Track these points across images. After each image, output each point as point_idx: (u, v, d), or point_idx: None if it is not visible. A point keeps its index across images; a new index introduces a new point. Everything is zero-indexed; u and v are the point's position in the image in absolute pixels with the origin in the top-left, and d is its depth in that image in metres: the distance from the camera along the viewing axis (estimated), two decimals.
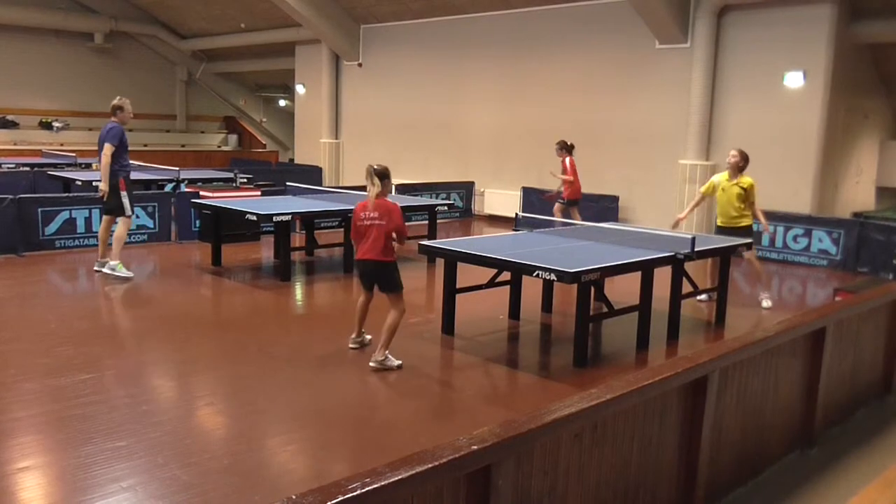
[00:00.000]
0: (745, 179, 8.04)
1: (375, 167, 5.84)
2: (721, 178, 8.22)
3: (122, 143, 8.38)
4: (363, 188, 11.73)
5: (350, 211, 9.25)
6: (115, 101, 8.49)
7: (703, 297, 8.09)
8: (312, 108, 19.65)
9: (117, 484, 3.89)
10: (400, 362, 5.78)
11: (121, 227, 8.59)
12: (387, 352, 5.76)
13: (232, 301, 8.23)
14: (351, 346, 6.23)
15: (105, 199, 8.48)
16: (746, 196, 8.01)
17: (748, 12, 11.98)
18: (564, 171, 11.18)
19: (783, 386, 4.43)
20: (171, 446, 4.36)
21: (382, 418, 5.06)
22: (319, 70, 19.01)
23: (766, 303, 8.32)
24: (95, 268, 8.82)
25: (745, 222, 8.12)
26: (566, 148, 11.23)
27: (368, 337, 6.29)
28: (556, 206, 11.43)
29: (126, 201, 8.46)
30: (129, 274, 8.55)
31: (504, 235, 8.52)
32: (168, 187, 12.33)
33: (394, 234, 5.80)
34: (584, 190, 13.74)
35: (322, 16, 17.29)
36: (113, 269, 8.55)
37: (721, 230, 8.17)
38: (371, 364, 5.71)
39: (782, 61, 11.64)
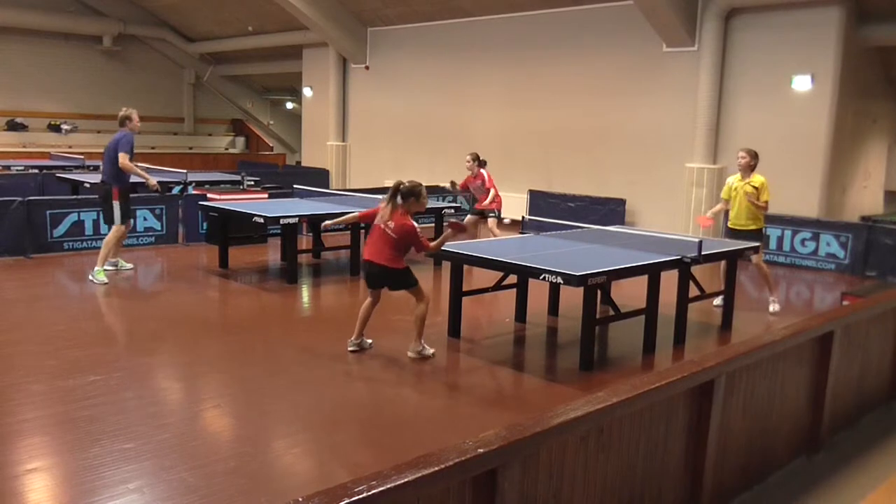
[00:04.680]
0: (757, 178, 7.99)
1: (404, 185, 5.96)
2: (734, 179, 8.19)
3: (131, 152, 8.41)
4: (369, 191, 11.78)
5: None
6: (123, 112, 8.55)
7: (719, 300, 7.98)
8: (319, 110, 19.71)
9: (124, 486, 3.91)
10: (433, 350, 6.18)
11: (111, 234, 8.55)
12: (422, 341, 6.08)
13: (239, 303, 8.25)
14: (350, 348, 6.25)
15: (157, 191, 9.43)
16: (758, 194, 7.92)
17: (756, 15, 11.96)
18: (483, 185, 10.27)
19: (790, 390, 4.42)
20: (178, 448, 4.38)
21: (388, 421, 5.06)
22: (327, 73, 19.06)
23: (774, 307, 8.29)
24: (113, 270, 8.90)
25: (756, 225, 8.07)
26: (480, 162, 10.35)
27: (369, 341, 6.33)
28: (491, 221, 10.38)
29: (117, 211, 8.41)
30: (105, 280, 8.40)
31: (511, 238, 8.52)
32: (175, 190, 12.38)
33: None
34: (591, 193, 13.83)
35: (329, 19, 17.34)
36: (92, 277, 8.44)
37: (731, 232, 8.14)
38: (409, 354, 6.09)
39: (790, 65, 11.62)
